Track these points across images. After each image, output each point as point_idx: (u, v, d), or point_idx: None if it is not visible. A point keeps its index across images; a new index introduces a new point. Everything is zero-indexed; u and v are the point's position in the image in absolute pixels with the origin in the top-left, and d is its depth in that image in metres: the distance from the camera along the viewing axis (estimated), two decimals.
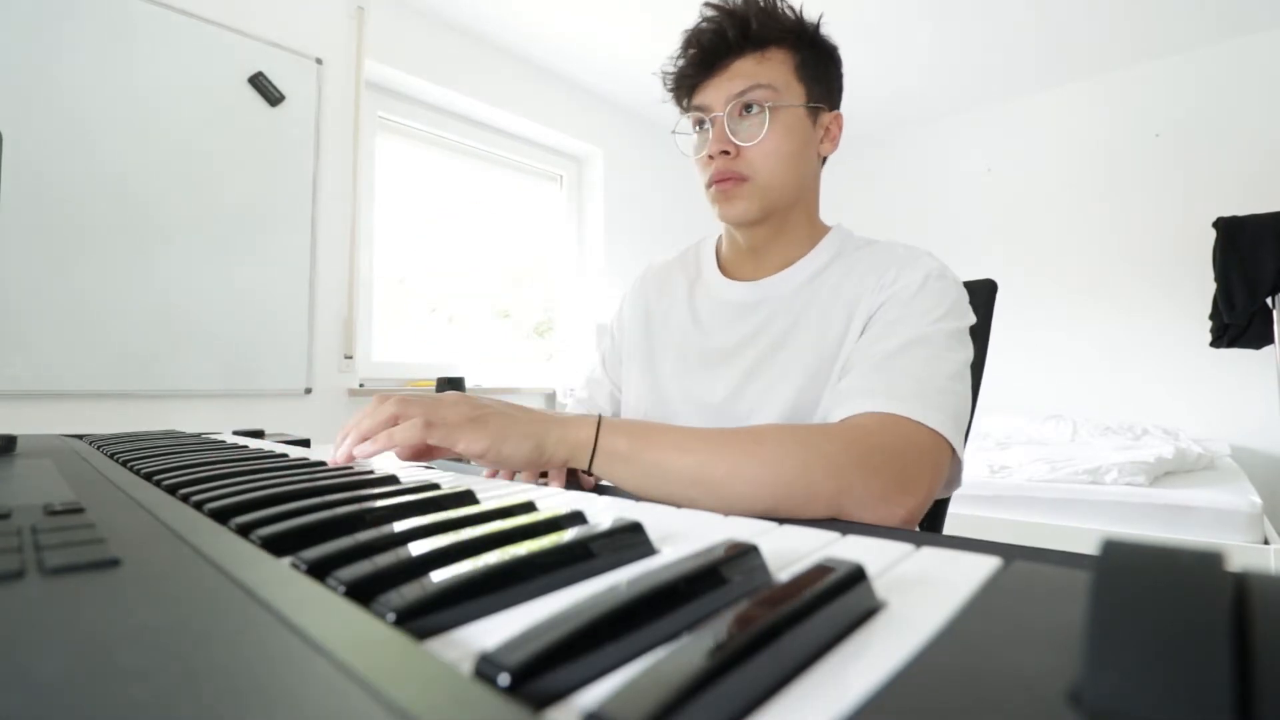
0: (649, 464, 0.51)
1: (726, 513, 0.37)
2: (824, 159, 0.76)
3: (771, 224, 0.73)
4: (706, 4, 0.70)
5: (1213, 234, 2.27)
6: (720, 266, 0.80)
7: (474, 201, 2.84)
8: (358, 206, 2.26)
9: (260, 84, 2.01)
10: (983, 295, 0.82)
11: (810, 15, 0.72)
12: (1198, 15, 2.57)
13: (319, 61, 2.16)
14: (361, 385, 2.26)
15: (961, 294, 0.65)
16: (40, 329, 1.62)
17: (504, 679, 0.13)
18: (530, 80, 2.86)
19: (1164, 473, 1.87)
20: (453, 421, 0.51)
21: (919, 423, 0.53)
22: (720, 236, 0.83)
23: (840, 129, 0.75)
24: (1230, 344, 2.34)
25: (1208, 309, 2.38)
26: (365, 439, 0.52)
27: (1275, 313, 2.17)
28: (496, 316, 2.96)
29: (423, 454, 0.56)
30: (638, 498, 0.49)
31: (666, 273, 0.86)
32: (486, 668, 0.14)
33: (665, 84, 0.75)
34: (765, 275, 0.75)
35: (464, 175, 2.81)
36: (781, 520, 0.34)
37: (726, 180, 0.70)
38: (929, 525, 0.78)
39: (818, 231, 0.77)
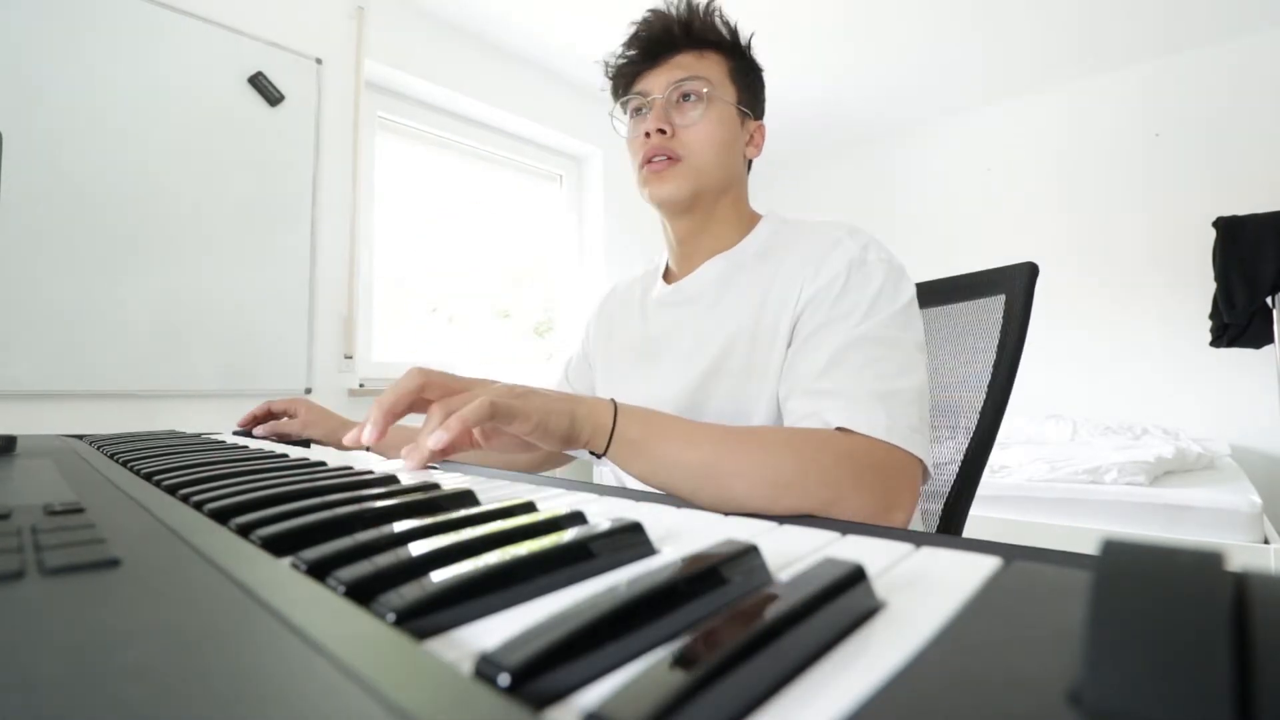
0: (658, 455, 0.52)
1: (724, 508, 0.38)
2: (749, 163, 0.80)
3: (699, 214, 0.75)
4: (650, 10, 0.76)
5: (1213, 234, 2.27)
6: (666, 272, 0.84)
7: (474, 201, 2.84)
8: (358, 206, 2.26)
9: (260, 84, 2.01)
10: (1023, 280, 0.80)
11: (743, 33, 0.78)
12: (1198, 15, 2.57)
13: (319, 61, 2.16)
14: (361, 385, 2.26)
15: (889, 270, 0.64)
16: (40, 329, 1.62)
17: (504, 679, 0.13)
18: (530, 80, 2.86)
19: (1164, 472, 1.87)
20: (506, 395, 0.49)
21: (903, 449, 0.54)
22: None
23: (763, 139, 0.80)
24: (1230, 344, 2.34)
25: (1208, 309, 2.38)
26: (440, 436, 0.48)
27: (1275, 312, 2.17)
28: (496, 316, 2.96)
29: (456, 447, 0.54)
30: (642, 482, 0.52)
31: (629, 288, 0.90)
32: (486, 668, 0.14)
33: (606, 72, 0.80)
34: (693, 270, 0.78)
35: (464, 175, 2.81)
36: (782, 520, 0.34)
37: (659, 160, 0.72)
38: (945, 527, 0.78)
39: (746, 223, 0.78)
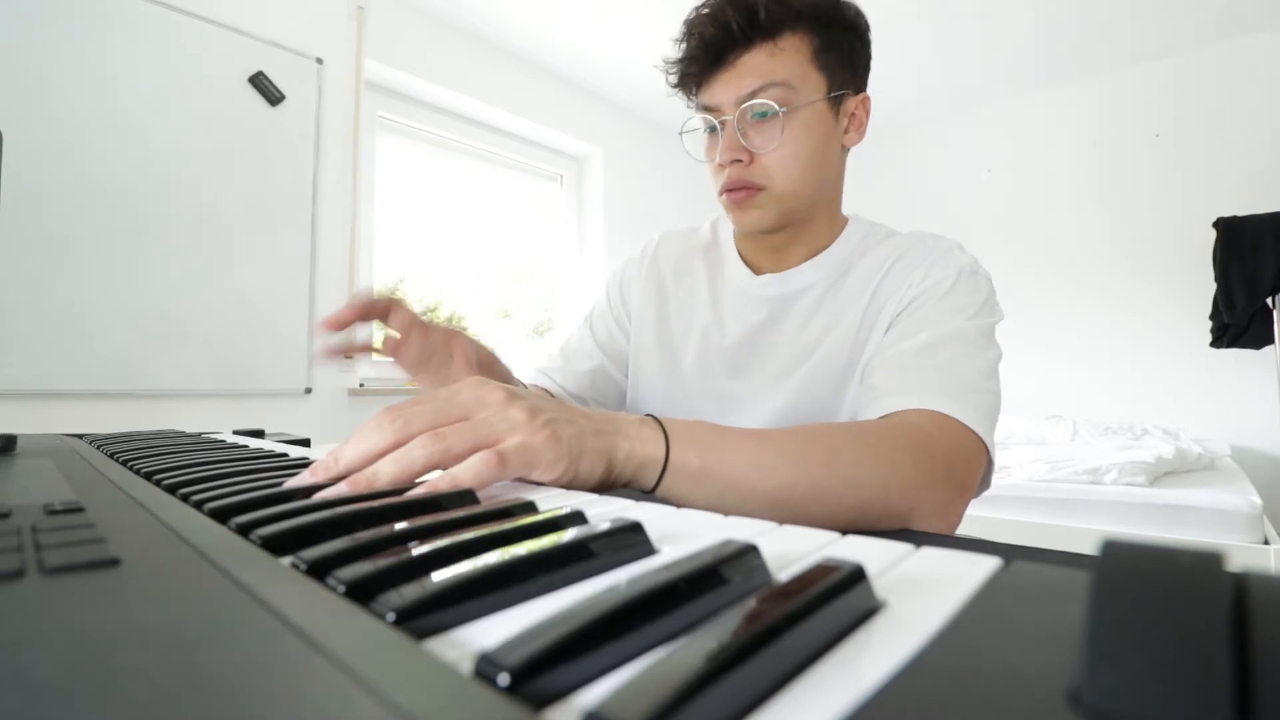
0: (725, 483, 0.44)
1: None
2: (848, 149, 0.72)
3: (791, 229, 0.71)
4: (702, 4, 0.64)
5: (1213, 234, 2.27)
6: (740, 255, 0.78)
7: (474, 201, 2.84)
8: (358, 206, 2.26)
9: (260, 84, 2.01)
10: None
11: None
12: (1198, 15, 2.57)
13: (319, 61, 2.16)
14: (361, 385, 2.26)
15: (992, 290, 0.65)
16: (40, 329, 1.62)
17: (504, 679, 0.13)
18: (530, 80, 2.86)
19: (1164, 473, 1.87)
20: (528, 439, 0.38)
21: (965, 425, 0.52)
22: None
23: (868, 112, 0.69)
24: (1230, 344, 2.34)
25: (1208, 309, 2.38)
26: (402, 480, 0.36)
27: (1275, 313, 2.17)
28: (496, 316, 2.96)
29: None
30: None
31: (684, 256, 0.82)
32: (486, 667, 0.14)
33: (668, 79, 0.69)
34: (788, 267, 0.73)
35: (464, 175, 2.81)
36: (782, 520, 0.34)
37: (739, 190, 0.66)
38: None
39: (838, 224, 0.75)
